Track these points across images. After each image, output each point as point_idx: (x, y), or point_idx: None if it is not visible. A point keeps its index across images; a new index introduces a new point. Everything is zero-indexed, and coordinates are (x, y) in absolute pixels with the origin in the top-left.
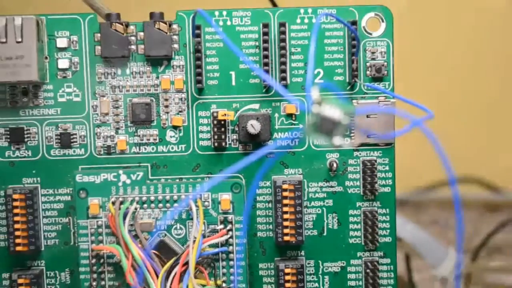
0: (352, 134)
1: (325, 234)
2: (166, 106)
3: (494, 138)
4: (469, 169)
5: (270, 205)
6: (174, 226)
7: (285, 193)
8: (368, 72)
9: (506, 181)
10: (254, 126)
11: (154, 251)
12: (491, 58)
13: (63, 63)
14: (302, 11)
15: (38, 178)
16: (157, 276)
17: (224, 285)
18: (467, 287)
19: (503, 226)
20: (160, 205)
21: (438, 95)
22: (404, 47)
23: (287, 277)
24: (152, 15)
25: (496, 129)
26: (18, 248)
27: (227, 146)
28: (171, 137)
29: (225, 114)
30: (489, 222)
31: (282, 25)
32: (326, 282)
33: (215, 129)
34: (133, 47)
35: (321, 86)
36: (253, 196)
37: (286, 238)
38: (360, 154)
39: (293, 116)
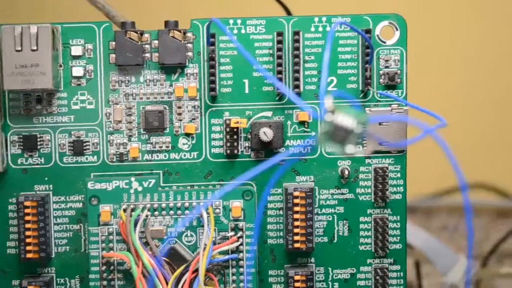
0: (364, 142)
1: (335, 241)
2: (179, 114)
3: (505, 144)
4: (480, 175)
5: (281, 212)
6: (185, 233)
7: (296, 200)
8: (381, 80)
9: None
10: (266, 134)
11: (165, 258)
12: (506, 64)
13: (77, 71)
14: (316, 19)
15: (50, 185)
16: (167, 283)
17: None
18: None
19: None
20: (172, 212)
21: (450, 100)
22: (418, 55)
23: (297, 284)
24: (166, 23)
25: (508, 136)
26: (29, 256)
27: (239, 153)
28: (183, 144)
29: (237, 122)
30: (500, 228)
31: (296, 33)
32: None
33: (228, 137)
34: (148, 55)
35: (334, 94)
36: (265, 203)
37: (297, 245)
38: (372, 161)
39: (306, 123)
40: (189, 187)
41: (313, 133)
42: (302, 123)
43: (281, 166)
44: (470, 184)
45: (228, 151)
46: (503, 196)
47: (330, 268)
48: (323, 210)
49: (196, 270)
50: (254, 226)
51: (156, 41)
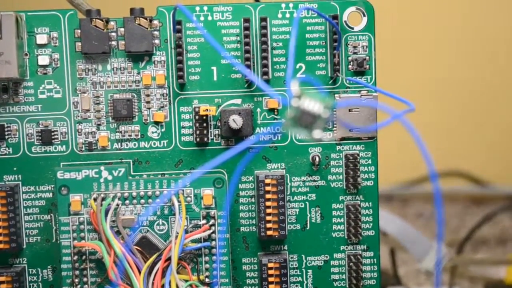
0: (334, 128)
1: (308, 228)
2: (148, 102)
3: (479, 131)
4: (455, 163)
5: (253, 200)
6: (157, 222)
7: (267, 188)
8: (350, 66)
9: (492, 174)
10: (236, 121)
11: (137, 247)
12: (477, 49)
13: (43, 60)
14: (283, 5)
15: (19, 175)
16: (140, 272)
17: (207, 280)
18: (453, 279)
19: (488, 219)
20: (142, 201)
21: (423, 88)
22: (386, 41)
23: (270, 272)
24: (132, 10)
25: (481, 123)
26: (0, 246)
27: (209, 141)
28: (153, 133)
29: (207, 110)
30: (475, 215)
31: (263, 20)
32: (310, 276)
33: (197, 125)
34: (114, 43)
35: (302, 80)
36: (235, 190)
37: (269, 232)
38: (342, 148)
39: (276, 110)
40: (159, 176)
41: (283, 119)
42: (271, 110)
43: (250, 152)
44: (445, 171)
45: (198, 139)
46: (477, 184)
47: (303, 255)
48: (295, 198)
49: (169, 259)
50: (226, 213)
51: (122, 29)
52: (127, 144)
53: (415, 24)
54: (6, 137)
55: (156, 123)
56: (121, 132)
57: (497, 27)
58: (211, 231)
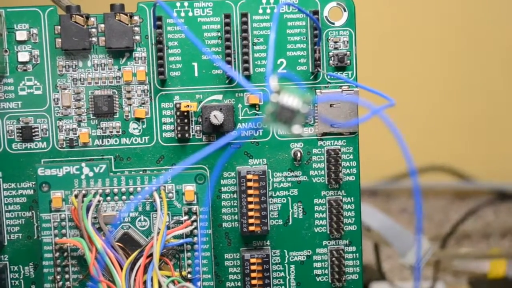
0: (315, 124)
1: (290, 223)
2: (129, 98)
3: (463, 127)
4: (439, 158)
5: (235, 195)
6: (138, 218)
7: (249, 183)
8: (331, 62)
9: (475, 169)
10: (217, 117)
11: (118, 243)
12: (459, 42)
13: (23, 56)
14: (264, 1)
15: (0, 172)
16: (122, 268)
17: (189, 276)
18: (436, 273)
19: (471, 214)
20: (124, 197)
21: (405, 83)
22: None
23: (253, 267)
24: (112, 6)
25: (464, 117)
26: None
27: (191, 137)
28: (134, 129)
29: (188, 106)
30: (458, 210)
31: (244, 15)
32: (292, 271)
33: (179, 121)
34: (94, 39)
35: (282, 76)
36: (216, 186)
37: (251, 228)
38: (324, 143)
39: (257, 106)
40: (141, 172)
41: (263, 115)
42: (253, 106)
43: (231, 148)
44: (429, 166)
45: (179, 135)
46: (461, 178)
47: (286, 251)
48: (277, 193)
49: (151, 255)
50: (207, 209)
51: (103, 25)
52: (108, 141)
53: (396, 19)
54: None
55: (137, 119)
56: (102, 128)
57: (478, 21)
58: (193, 227)
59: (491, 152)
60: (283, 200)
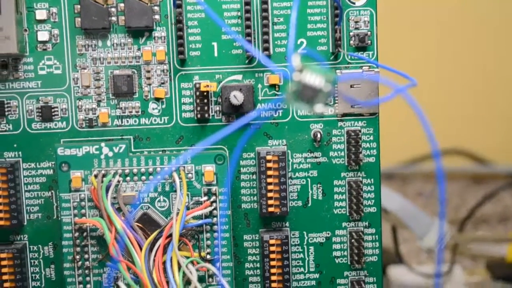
0: (336, 104)
1: (309, 205)
2: (148, 78)
3: (481, 110)
4: (456, 141)
5: (254, 176)
6: (158, 199)
7: (269, 164)
8: (351, 42)
9: (492, 153)
10: (237, 97)
11: (138, 224)
12: (481, 27)
13: (42, 35)
14: None
15: (20, 152)
16: (141, 249)
17: (208, 256)
18: (454, 257)
19: (489, 198)
20: (143, 177)
21: (424, 65)
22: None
23: (272, 248)
24: None
25: (484, 102)
26: (0, 223)
27: (210, 117)
28: (153, 109)
29: (207, 86)
30: (476, 193)
31: None
32: (311, 253)
33: (198, 101)
34: (114, 18)
35: (303, 54)
36: (236, 166)
37: (271, 209)
38: (344, 124)
39: (277, 86)
40: (160, 152)
41: (284, 93)
42: (273, 86)
43: (251, 128)
44: (446, 150)
45: (199, 116)
46: (478, 162)
47: (305, 232)
48: (297, 174)
49: (170, 236)
50: (227, 190)
51: (122, 4)
52: (127, 121)
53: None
54: (6, 113)
55: (157, 99)
56: (121, 108)
57: (501, 6)
58: (212, 207)
59: (508, 136)
60: (303, 181)
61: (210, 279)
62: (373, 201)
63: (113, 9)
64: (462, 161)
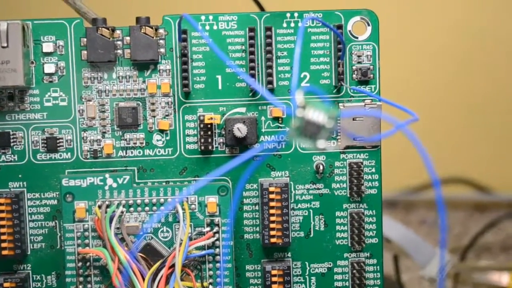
0: (338, 137)
1: (311, 235)
2: (153, 110)
3: (483, 139)
4: (458, 170)
5: (257, 207)
6: (161, 229)
7: (271, 196)
8: (354, 76)
9: (495, 181)
10: (240, 130)
11: (141, 254)
12: (480, 58)
13: (49, 68)
14: (288, 15)
15: (25, 182)
16: (144, 279)
17: (210, 287)
18: (456, 286)
19: (491, 226)
20: (147, 208)
21: (427, 96)
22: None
23: (274, 279)
24: (138, 19)
25: (485, 130)
26: (4, 252)
27: (214, 149)
28: (157, 140)
29: (211, 118)
30: (478, 222)
31: (268, 29)
32: (313, 283)
33: (202, 133)
34: (120, 51)
35: (306, 89)
36: (239, 198)
37: (273, 240)
38: (346, 156)
39: (280, 119)
40: (164, 183)
41: (286, 129)
42: (276, 119)
43: (255, 161)
44: (448, 178)
45: (203, 147)
46: (480, 190)
47: (307, 263)
48: (299, 205)
49: (173, 266)
50: (230, 221)
51: (128, 38)
52: (132, 152)
53: (420, 33)
54: (12, 144)
55: (161, 131)
56: (126, 139)
57: (501, 36)
58: (215, 238)
59: (510, 164)
60: (305, 212)
61: None
62: (374, 232)
63: (119, 42)
64: (465, 190)
